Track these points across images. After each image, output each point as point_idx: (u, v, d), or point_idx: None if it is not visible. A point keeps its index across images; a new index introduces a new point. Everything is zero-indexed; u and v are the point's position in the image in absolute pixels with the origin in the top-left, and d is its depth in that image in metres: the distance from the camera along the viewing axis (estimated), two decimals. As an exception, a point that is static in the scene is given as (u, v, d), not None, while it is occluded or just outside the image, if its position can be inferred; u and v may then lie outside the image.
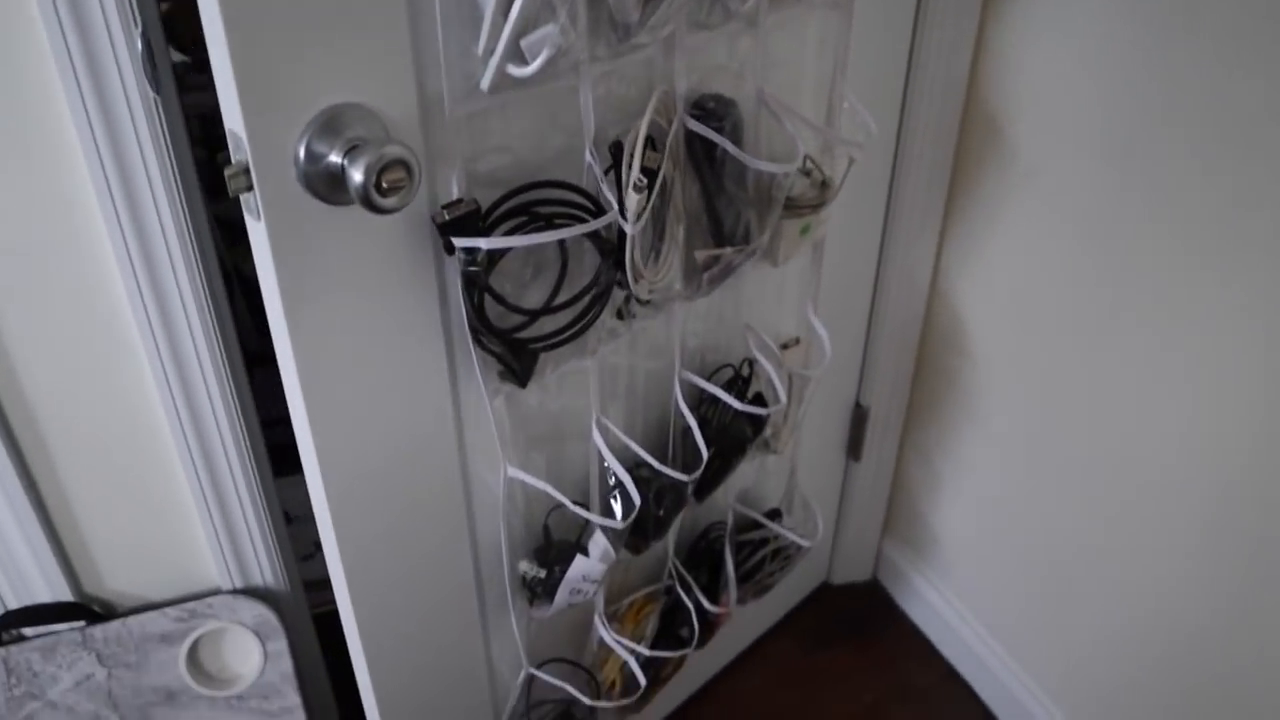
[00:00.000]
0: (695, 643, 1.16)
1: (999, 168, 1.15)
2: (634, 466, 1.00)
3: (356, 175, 0.66)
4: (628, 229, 0.80)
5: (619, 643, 1.08)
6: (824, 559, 1.55)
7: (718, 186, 0.93)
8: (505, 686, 1.08)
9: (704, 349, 1.08)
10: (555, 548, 0.99)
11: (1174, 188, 0.96)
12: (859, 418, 1.37)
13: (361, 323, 0.77)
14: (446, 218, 0.75)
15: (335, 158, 0.67)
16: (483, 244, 0.76)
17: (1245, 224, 0.90)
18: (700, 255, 0.95)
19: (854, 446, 1.41)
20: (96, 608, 1.06)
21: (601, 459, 0.97)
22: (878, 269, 1.26)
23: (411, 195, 0.69)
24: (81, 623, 1.05)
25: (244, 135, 0.64)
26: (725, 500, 1.22)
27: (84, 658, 1.05)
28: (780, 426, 1.16)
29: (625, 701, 1.09)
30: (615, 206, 0.81)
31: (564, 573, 0.96)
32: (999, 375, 1.23)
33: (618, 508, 0.98)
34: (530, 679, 1.08)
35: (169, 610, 1.07)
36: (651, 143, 0.85)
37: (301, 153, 0.68)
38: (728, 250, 0.95)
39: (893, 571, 1.55)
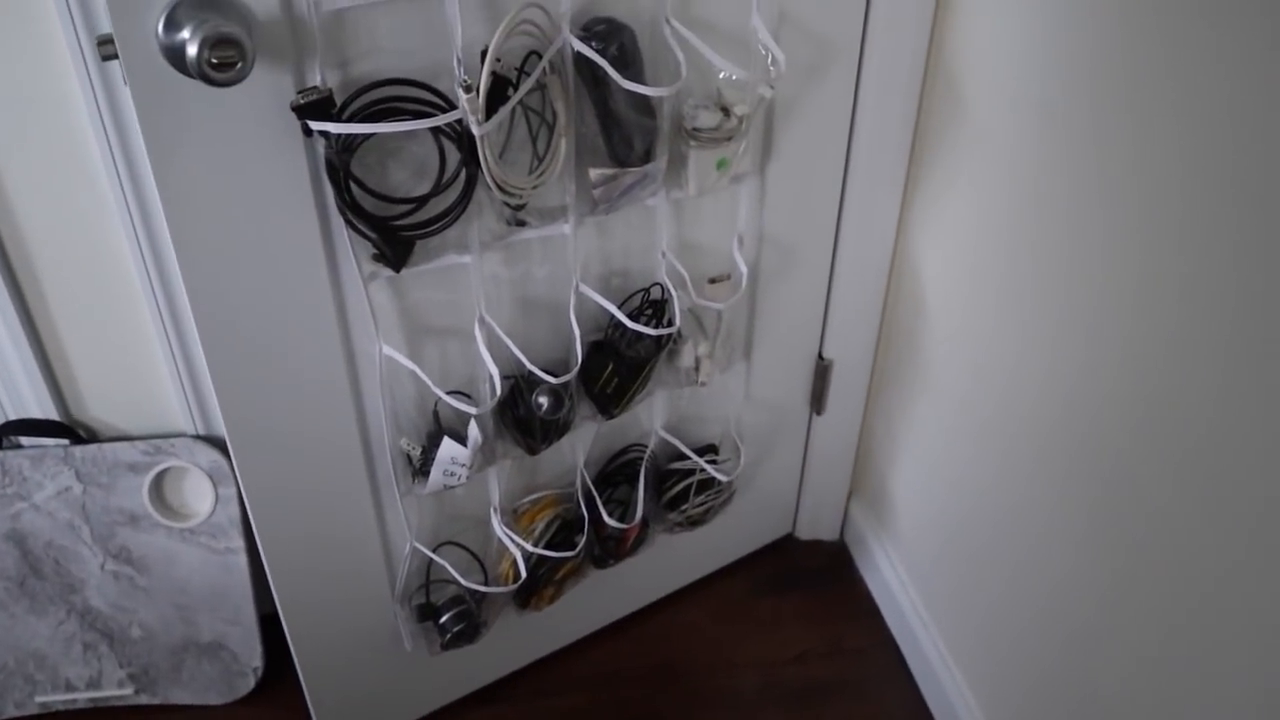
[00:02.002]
0: (583, 552, 1.21)
1: (955, 127, 1.12)
2: (527, 373, 1.07)
3: (191, 49, 0.74)
4: (475, 129, 0.86)
5: (507, 534, 1.15)
6: (788, 510, 1.56)
7: (606, 109, 0.97)
8: (399, 563, 1.17)
9: (619, 272, 1.13)
10: (443, 433, 1.07)
11: (1108, 157, 0.91)
12: (821, 370, 1.37)
13: (231, 192, 0.86)
14: (301, 101, 0.83)
15: (185, 34, 0.77)
16: (331, 128, 0.84)
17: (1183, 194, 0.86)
18: (593, 173, 1.00)
19: (816, 399, 1.41)
20: (80, 432, 1.23)
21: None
22: (838, 221, 1.25)
23: (244, 73, 0.77)
24: (66, 441, 1.22)
25: (107, 6, 0.75)
26: (650, 425, 1.26)
27: (65, 472, 1.22)
28: (702, 359, 1.19)
29: (506, 589, 1.16)
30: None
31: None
32: (950, 341, 1.21)
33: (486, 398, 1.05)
34: (423, 557, 1.16)
35: (138, 443, 1.22)
36: (538, 58, 0.91)
37: (160, 28, 0.77)
38: (618, 171, 0.99)
39: (856, 534, 1.54)
